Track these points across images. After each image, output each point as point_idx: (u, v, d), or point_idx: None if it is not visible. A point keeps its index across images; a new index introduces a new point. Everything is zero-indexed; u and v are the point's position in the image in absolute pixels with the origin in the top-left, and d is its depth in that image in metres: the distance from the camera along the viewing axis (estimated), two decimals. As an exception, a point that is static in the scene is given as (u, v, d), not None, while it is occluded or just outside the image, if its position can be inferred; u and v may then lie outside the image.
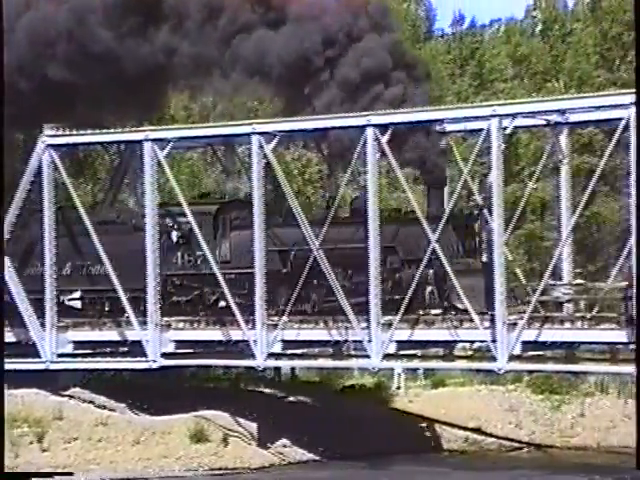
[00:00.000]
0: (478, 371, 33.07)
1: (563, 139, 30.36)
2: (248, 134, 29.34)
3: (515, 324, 26.45)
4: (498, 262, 26.37)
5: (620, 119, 25.66)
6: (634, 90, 25.10)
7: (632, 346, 25.48)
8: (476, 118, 27.83)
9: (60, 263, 30.82)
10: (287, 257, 29.22)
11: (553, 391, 35.00)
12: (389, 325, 27.57)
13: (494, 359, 26.74)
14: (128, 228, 31.11)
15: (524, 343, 26.59)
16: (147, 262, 29.67)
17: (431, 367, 32.81)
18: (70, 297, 31.20)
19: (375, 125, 27.77)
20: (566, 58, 48.92)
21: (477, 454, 32.35)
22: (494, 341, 26.62)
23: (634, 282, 25.14)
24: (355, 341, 28.38)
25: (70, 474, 27.19)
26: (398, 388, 35.38)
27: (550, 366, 28.55)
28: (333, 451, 30.63)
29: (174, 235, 30.61)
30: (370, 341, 27.71)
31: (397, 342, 27.91)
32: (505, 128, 27.00)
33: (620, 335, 25.91)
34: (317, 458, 30.67)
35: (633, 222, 24.92)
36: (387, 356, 27.96)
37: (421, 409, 33.91)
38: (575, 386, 35.08)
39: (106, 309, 31.11)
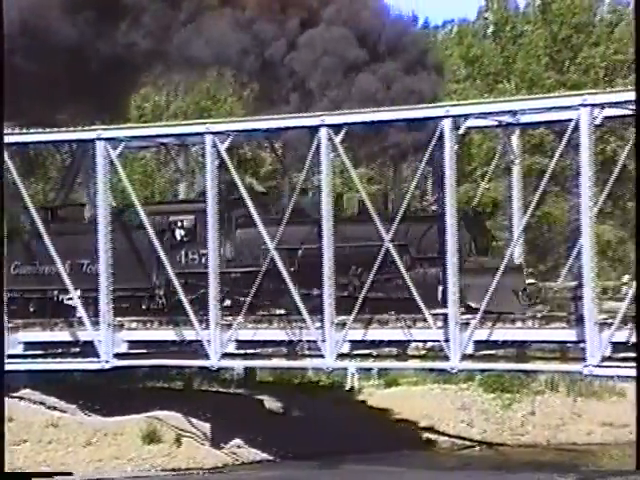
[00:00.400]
0: (431, 370, 33.26)
1: (515, 140, 30.60)
2: (201, 133, 29.31)
3: (467, 323, 26.63)
4: (451, 262, 26.53)
5: (570, 120, 25.93)
6: (597, 91, 25.47)
7: (582, 344, 25.80)
8: (429, 119, 27.95)
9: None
10: (295, 256, 28.71)
11: (504, 390, 35.29)
12: (343, 325, 27.64)
13: (447, 358, 26.89)
14: (129, 226, 30.38)
15: (476, 342, 26.76)
16: (100, 263, 29.38)
17: (384, 367, 32.93)
18: (69, 296, 30.35)
19: (329, 125, 27.84)
20: (517, 59, 49.30)
21: (430, 452, 32.53)
22: (447, 341, 26.77)
23: (586, 282, 25.40)
24: (309, 341, 28.42)
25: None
26: (352, 388, 35.49)
27: (502, 365, 28.76)
28: (286, 451, 30.67)
29: (178, 233, 30.15)
30: (324, 341, 27.76)
31: (351, 342, 27.99)
32: (458, 128, 27.17)
33: (570, 334, 26.17)
34: (270, 458, 30.69)
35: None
36: (341, 356, 28.03)
37: (374, 408, 34.06)
38: (526, 385, 35.41)
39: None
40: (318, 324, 27.76)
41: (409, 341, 28.64)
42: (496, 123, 30.59)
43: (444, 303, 26.75)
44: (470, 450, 33.08)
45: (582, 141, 25.54)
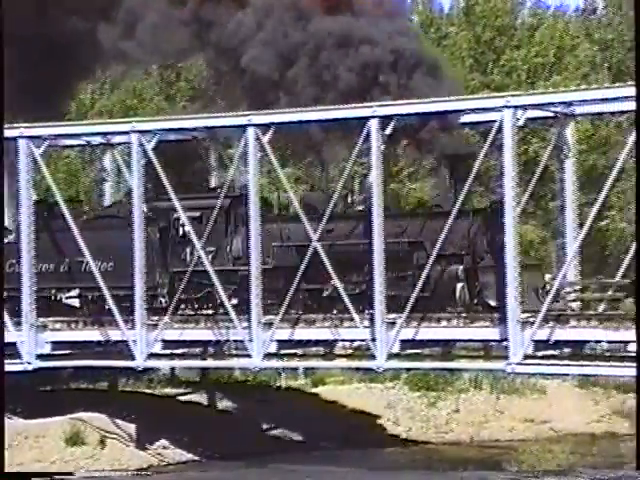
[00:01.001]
0: (357, 369, 33.41)
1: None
2: (127, 132, 29.11)
3: (394, 323, 26.80)
4: (378, 261, 26.68)
5: (494, 121, 26.24)
6: (520, 93, 25.79)
7: (505, 343, 26.13)
8: (357, 119, 28.07)
9: (56, 259, 29.62)
10: (305, 253, 27.54)
11: (430, 388, 35.57)
12: (270, 324, 27.65)
13: (373, 357, 27.04)
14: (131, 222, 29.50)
15: (402, 341, 26.95)
16: (22, 262, 28.97)
17: (311, 366, 33.00)
18: (68, 295, 29.88)
19: (256, 125, 27.85)
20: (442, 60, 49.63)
21: (357, 451, 32.65)
22: (374, 340, 26.92)
23: (509, 281, 25.69)
24: (236, 341, 28.39)
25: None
26: (279, 387, 35.50)
27: (427, 364, 29.01)
28: (213, 451, 30.60)
29: (182, 230, 29.14)
30: (251, 340, 27.75)
31: (278, 341, 28.01)
32: (385, 129, 27.31)
33: (493, 332, 26.49)
34: (197, 458, 30.59)
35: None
36: (268, 355, 28.03)
37: (301, 407, 34.10)
38: (450, 383, 35.74)
39: (106, 308, 29.29)
40: (245, 324, 27.79)
41: (336, 340, 28.73)
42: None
43: (463, 301, 26.34)
44: (395, 448, 33.27)
45: (505, 142, 25.86)
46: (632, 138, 25.57)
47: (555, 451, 25.62)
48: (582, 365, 26.22)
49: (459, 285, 26.54)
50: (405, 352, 27.34)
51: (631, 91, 25.40)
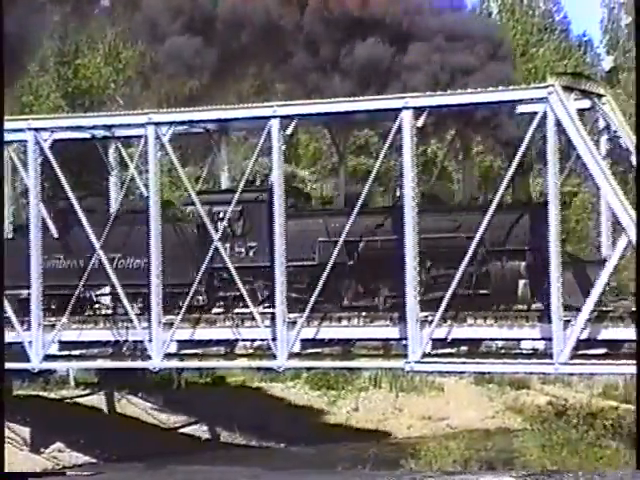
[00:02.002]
0: (258, 369, 33.43)
1: (341, 140, 31.09)
2: (23, 130, 28.67)
3: (295, 322, 26.89)
4: (279, 261, 26.73)
5: (394, 121, 26.47)
6: (419, 94, 26.02)
7: (404, 342, 26.43)
8: (257, 118, 28.11)
9: (86, 255, 28.21)
10: (354, 249, 27.04)
11: (330, 387, 35.77)
12: (170, 324, 27.50)
13: (274, 357, 27.10)
14: (166, 218, 28.24)
15: (303, 341, 27.06)
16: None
17: (212, 366, 32.91)
18: (99, 292, 28.77)
19: (156, 123, 27.69)
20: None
21: (257, 451, 32.69)
22: (274, 339, 26.97)
23: (408, 280, 25.95)
24: (136, 341, 28.17)
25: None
26: (179, 387, 35.33)
27: (327, 363, 29.12)
28: (110, 453, 30.33)
29: (222, 225, 27.81)
30: (150, 341, 27.58)
31: (178, 341, 27.89)
32: (286, 128, 27.40)
33: (393, 331, 26.76)
34: (93, 460, 30.29)
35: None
36: (168, 355, 27.88)
37: (200, 408, 33.99)
38: (350, 381, 35.98)
39: (139, 306, 28.28)
40: (145, 324, 27.62)
41: (237, 340, 28.72)
42: (323, 123, 31.06)
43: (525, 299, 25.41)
44: (298, 448, 33.39)
45: (404, 142, 26.13)
46: (527, 139, 26.00)
47: (451, 447, 25.97)
48: (478, 363, 26.64)
49: (522, 282, 25.66)
50: (306, 351, 27.46)
51: (524, 94, 25.89)
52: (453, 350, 26.64)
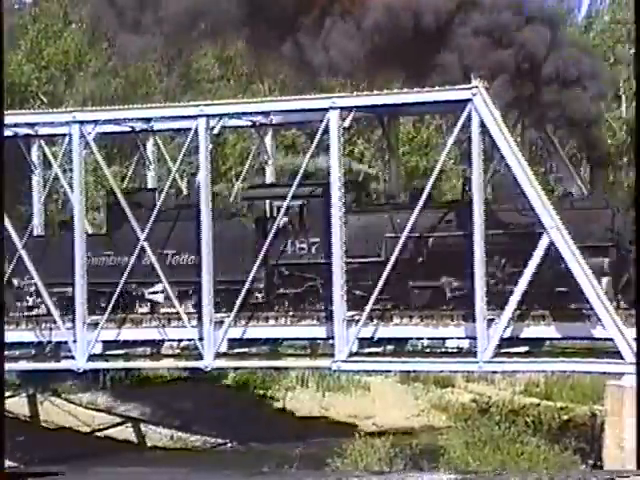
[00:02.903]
0: (185, 369, 33.33)
1: (268, 140, 31.17)
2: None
3: (222, 322, 26.89)
4: (206, 260, 26.70)
5: (320, 122, 26.63)
6: (345, 94, 26.20)
7: (331, 341, 26.58)
8: (184, 117, 28.07)
9: (138, 252, 27.36)
10: (423, 244, 26.35)
11: (257, 387, 35.77)
12: (96, 325, 27.33)
13: (201, 357, 27.06)
14: (222, 213, 27.55)
15: (230, 340, 27.07)
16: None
17: (137, 367, 32.74)
18: (151, 290, 27.89)
19: (81, 122, 27.51)
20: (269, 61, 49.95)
21: (181, 451, 32.59)
22: (201, 339, 26.94)
23: (335, 280, 26.08)
24: (59, 342, 27.93)
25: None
26: (104, 387, 35.11)
27: (254, 362, 29.16)
28: (32, 455, 30.03)
29: (283, 220, 27.10)
30: (75, 341, 27.36)
31: (104, 342, 27.72)
32: (212, 128, 27.39)
33: (320, 331, 26.90)
34: (14, 464, 29.91)
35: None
36: (93, 356, 27.70)
37: (126, 409, 33.79)
38: (278, 381, 36.02)
39: (192, 303, 27.57)
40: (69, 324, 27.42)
41: (163, 340, 28.63)
42: (250, 123, 31.10)
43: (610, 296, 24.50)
44: (223, 447, 33.35)
45: (332, 142, 26.26)
46: (451, 140, 26.31)
47: (377, 445, 26.16)
48: (404, 362, 26.89)
49: (605, 279, 24.80)
50: (233, 351, 27.48)
51: (448, 95, 26.17)
52: (379, 349, 26.84)
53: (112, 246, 28.22)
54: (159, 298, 28.20)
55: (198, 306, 26.98)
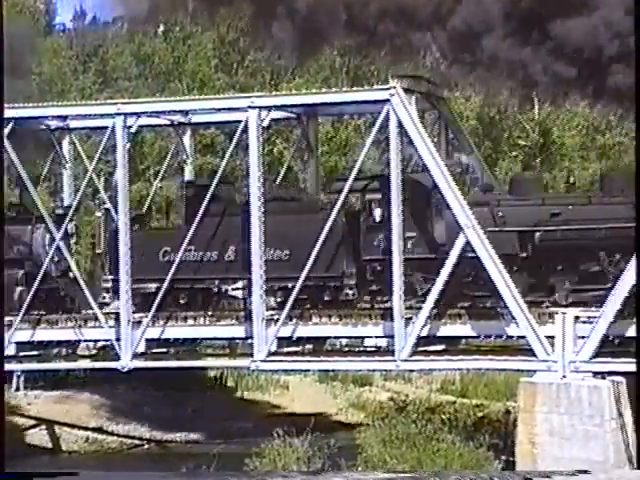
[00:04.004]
0: (101, 370, 33.06)
1: (187, 139, 31.09)
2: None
3: (140, 322, 26.78)
4: (123, 260, 26.56)
5: (239, 121, 26.66)
6: (264, 94, 26.24)
7: (250, 340, 26.61)
8: (101, 116, 27.88)
9: (220, 247, 26.65)
10: (528, 239, 25.25)
11: (175, 387, 35.61)
12: (9, 326, 27.02)
13: (118, 357, 26.90)
14: (312, 206, 26.56)
15: (149, 340, 26.95)
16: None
17: (53, 368, 32.40)
18: (234, 286, 26.91)
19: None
20: (188, 60, 49.84)
21: (97, 453, 32.32)
22: (118, 340, 26.77)
23: (254, 280, 26.10)
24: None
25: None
26: (17, 389, 34.69)
27: (172, 363, 29.02)
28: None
29: (377, 213, 26.48)
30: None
31: (17, 344, 27.40)
32: (130, 127, 27.24)
33: (239, 330, 26.91)
34: None
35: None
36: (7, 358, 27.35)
37: (39, 411, 33.41)
38: (197, 381, 35.90)
39: (278, 300, 26.64)
40: None
41: (79, 341, 28.39)
42: (168, 122, 30.98)
43: None
44: (139, 449, 33.15)
45: (251, 142, 26.29)
46: (369, 140, 26.51)
47: (295, 444, 26.26)
48: (322, 361, 27.04)
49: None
50: (151, 352, 27.37)
51: (366, 95, 26.38)
52: (298, 348, 26.94)
53: (193, 241, 26.84)
54: (239, 295, 27.35)
55: (284, 303, 26.18)
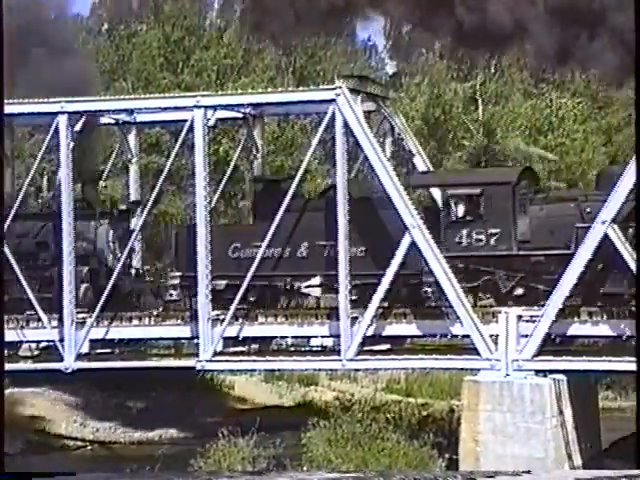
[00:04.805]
0: (44, 371, 32.79)
1: (131, 138, 30.94)
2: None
3: (83, 322, 26.62)
4: (67, 260, 26.37)
5: (185, 121, 26.59)
6: (209, 93, 26.19)
7: (195, 341, 26.55)
8: (44, 114, 27.67)
9: (291, 243, 26.03)
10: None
11: (120, 387, 35.42)
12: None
13: (62, 358, 26.73)
14: (387, 202, 25.67)
15: (93, 341, 26.80)
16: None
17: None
18: (308, 284, 26.29)
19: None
20: (133, 58, 49.60)
21: (39, 457, 32.05)
22: (62, 340, 26.60)
23: (200, 279, 26.05)
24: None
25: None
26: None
27: (117, 363, 28.86)
28: None
29: (460, 209, 25.74)
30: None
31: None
32: (74, 125, 27.07)
33: (184, 331, 26.84)
34: None
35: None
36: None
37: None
38: (142, 381, 35.74)
39: (352, 298, 25.80)
40: None
41: (21, 342, 28.15)
42: (113, 121, 30.82)
43: None
44: (82, 450, 32.93)
45: (196, 141, 26.25)
46: (315, 140, 26.61)
47: (240, 444, 26.24)
48: (268, 360, 27.05)
49: None
50: (95, 352, 27.22)
51: (312, 95, 26.45)
52: (244, 348, 26.93)
53: (263, 237, 26.20)
54: (316, 292, 26.83)
55: (357, 301, 25.75)
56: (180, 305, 27.06)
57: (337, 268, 25.38)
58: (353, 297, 25.84)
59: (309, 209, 26.44)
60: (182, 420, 34.60)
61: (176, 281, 27.24)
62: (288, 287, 26.75)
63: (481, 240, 25.53)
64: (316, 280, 26.59)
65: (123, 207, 29.42)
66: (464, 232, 25.65)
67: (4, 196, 27.16)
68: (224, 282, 26.51)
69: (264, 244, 25.73)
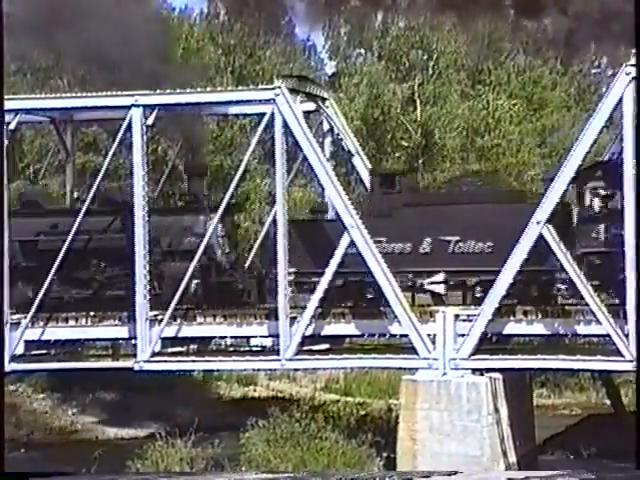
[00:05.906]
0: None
1: (68, 137, 30.69)
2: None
3: (18, 323, 26.34)
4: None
5: (122, 119, 26.45)
6: (148, 92, 26.04)
7: (133, 341, 26.39)
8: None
9: (414, 238, 25.30)
10: None
11: (55, 389, 35.12)
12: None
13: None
14: (516, 196, 25.08)
15: (28, 342, 26.53)
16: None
17: None
18: (430, 280, 25.52)
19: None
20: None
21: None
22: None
23: (138, 279, 25.86)
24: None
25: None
26: None
27: (53, 365, 28.58)
28: None
29: (597, 204, 24.81)
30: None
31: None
32: (8, 124, 26.79)
33: (122, 331, 26.67)
34: None
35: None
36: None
37: None
38: (79, 383, 35.48)
39: (477, 295, 25.35)
40: None
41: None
42: (49, 120, 30.57)
43: None
44: (17, 453, 32.59)
45: (135, 141, 26.10)
46: (255, 140, 26.62)
47: (178, 445, 26.16)
48: (207, 360, 26.97)
49: None
50: (30, 353, 26.94)
51: (252, 95, 26.40)
52: (183, 349, 26.84)
53: (386, 232, 25.79)
54: (440, 289, 26.05)
55: (482, 299, 24.97)
56: (292, 302, 26.12)
57: (467, 264, 25.07)
58: (477, 294, 25.45)
59: (434, 203, 25.85)
60: (120, 421, 34.44)
61: (290, 277, 26.25)
62: (410, 284, 26.03)
63: (618, 235, 24.25)
64: (440, 277, 25.98)
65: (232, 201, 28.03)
66: (601, 227, 24.92)
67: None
68: (341, 280, 25.76)
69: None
